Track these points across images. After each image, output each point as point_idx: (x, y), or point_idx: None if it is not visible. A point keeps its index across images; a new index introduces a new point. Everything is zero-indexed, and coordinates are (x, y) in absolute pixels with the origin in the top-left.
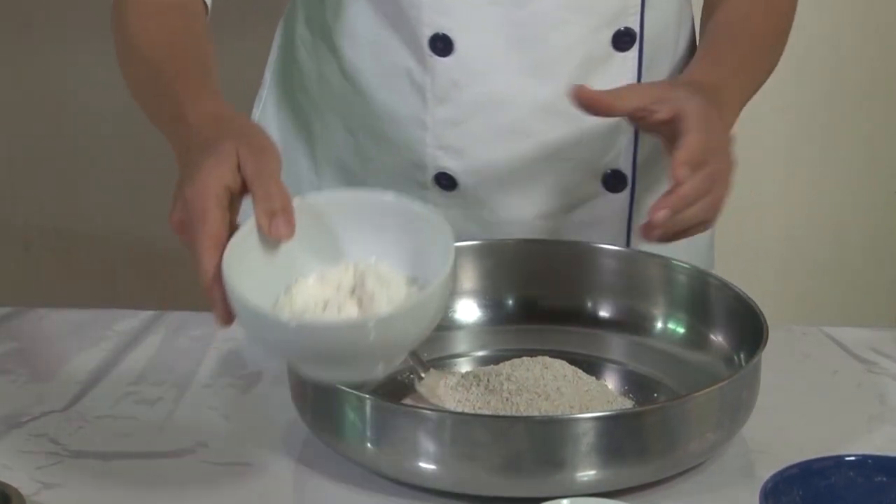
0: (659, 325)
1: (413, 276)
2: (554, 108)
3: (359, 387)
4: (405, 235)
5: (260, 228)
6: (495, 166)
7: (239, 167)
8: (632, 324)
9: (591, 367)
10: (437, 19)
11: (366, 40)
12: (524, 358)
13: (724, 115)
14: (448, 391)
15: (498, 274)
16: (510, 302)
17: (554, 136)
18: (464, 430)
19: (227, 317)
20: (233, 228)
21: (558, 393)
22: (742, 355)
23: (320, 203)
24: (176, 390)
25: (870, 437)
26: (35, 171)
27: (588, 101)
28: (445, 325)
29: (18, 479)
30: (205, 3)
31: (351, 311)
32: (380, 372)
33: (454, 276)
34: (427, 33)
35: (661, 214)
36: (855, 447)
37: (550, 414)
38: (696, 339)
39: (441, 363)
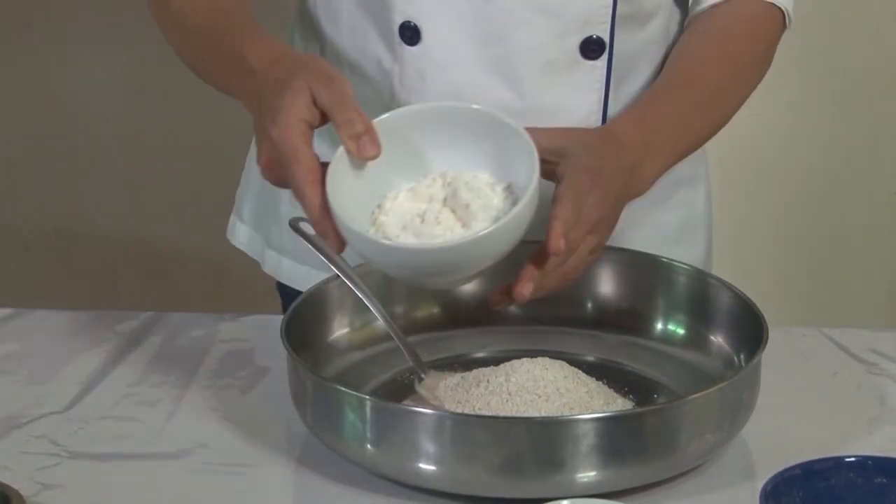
0: (659, 326)
1: (499, 180)
2: (514, 108)
3: (359, 388)
4: (484, 142)
5: (348, 153)
6: None
7: (314, 100)
8: (632, 325)
9: (591, 368)
10: (406, 7)
11: (346, 25)
12: (524, 359)
13: (638, 168)
14: (448, 392)
15: (498, 275)
16: None
17: None
18: (464, 430)
19: (340, 245)
20: None
21: (558, 394)
22: (742, 356)
23: (398, 120)
24: (176, 391)
25: (870, 438)
26: (35, 171)
27: None
28: (445, 326)
29: (18, 480)
30: None
31: (448, 221)
32: (474, 277)
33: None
34: (398, 21)
35: (528, 289)
36: (855, 448)
37: (550, 415)
38: (696, 340)
39: (441, 364)
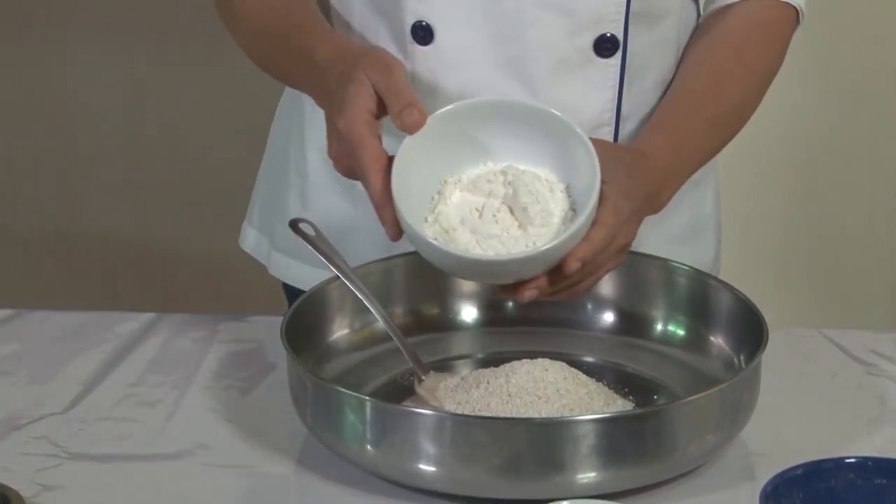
0: (659, 327)
1: (559, 180)
2: None
3: (359, 388)
4: (547, 142)
5: (398, 128)
6: None
7: (375, 90)
8: (632, 326)
9: (591, 369)
10: (418, 7)
11: (357, 25)
12: (524, 360)
13: (663, 191)
14: (448, 393)
15: None
16: (510, 304)
17: None
18: (464, 431)
19: (397, 234)
20: None
21: (558, 395)
22: (742, 357)
23: (462, 112)
24: (176, 392)
25: (870, 439)
26: (35, 171)
27: None
28: (445, 327)
29: (18, 482)
30: None
31: (505, 221)
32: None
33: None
34: (410, 21)
35: (532, 295)
36: (855, 449)
37: (550, 416)
38: (696, 341)
39: (441, 365)
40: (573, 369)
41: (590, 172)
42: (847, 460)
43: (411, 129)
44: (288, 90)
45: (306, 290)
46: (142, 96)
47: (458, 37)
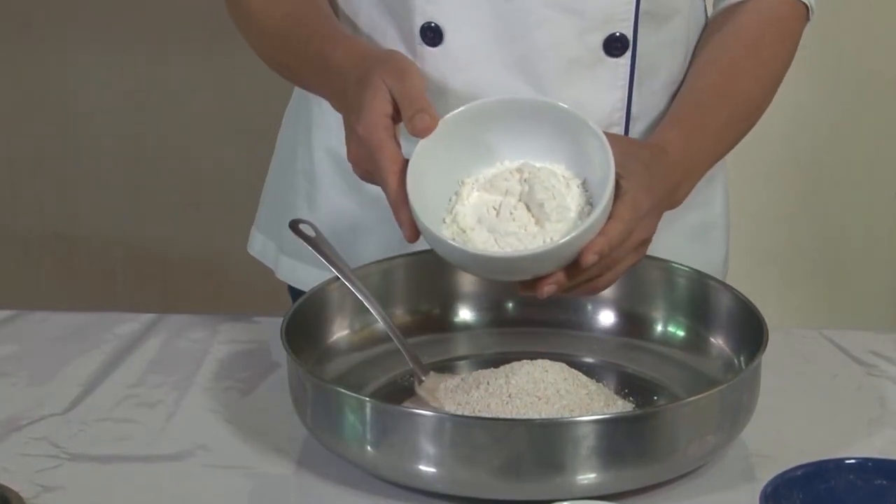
0: (659, 328)
1: (575, 175)
2: None
3: (359, 389)
4: (560, 136)
5: (409, 133)
6: None
7: (391, 94)
8: (632, 327)
9: (592, 369)
10: (428, 9)
11: (365, 27)
12: (524, 361)
13: (681, 187)
14: (448, 394)
15: None
16: (510, 304)
17: None
18: (463, 432)
19: (414, 235)
20: None
21: (558, 396)
22: (742, 358)
23: (474, 113)
24: (176, 393)
25: (870, 440)
26: (35, 172)
27: None
28: (445, 328)
29: (18, 483)
30: None
31: (522, 218)
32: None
33: None
34: (419, 22)
35: (550, 290)
36: (855, 450)
37: (550, 417)
38: (696, 342)
39: (441, 366)
40: (573, 370)
41: (604, 165)
42: (847, 461)
43: (422, 133)
44: (296, 95)
45: None
46: (142, 96)
47: (467, 37)
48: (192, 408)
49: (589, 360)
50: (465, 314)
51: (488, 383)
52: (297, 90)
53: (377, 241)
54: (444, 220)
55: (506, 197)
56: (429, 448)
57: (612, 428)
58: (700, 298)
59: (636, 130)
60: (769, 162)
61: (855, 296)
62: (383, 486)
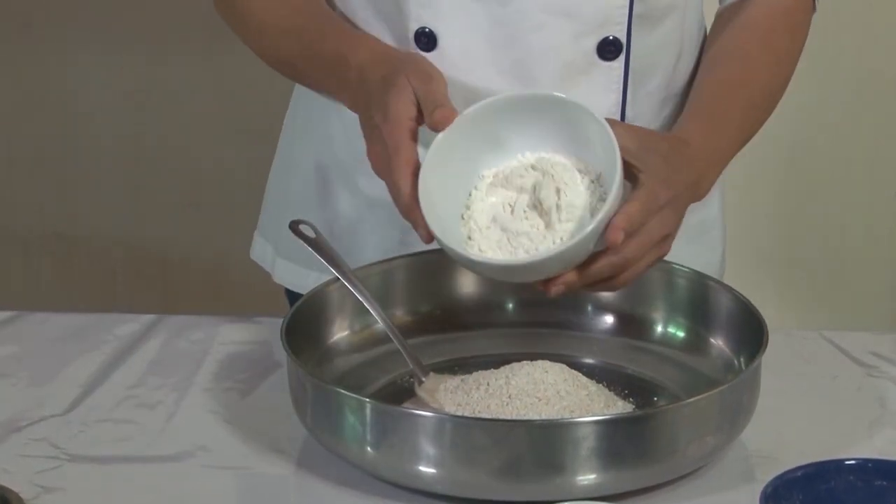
0: (659, 328)
1: (586, 172)
2: None
3: (359, 390)
4: (569, 130)
5: (429, 128)
6: None
7: (415, 95)
8: (632, 327)
9: (591, 370)
10: (422, 13)
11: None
12: (524, 362)
13: (704, 179)
14: (448, 395)
15: None
16: (510, 305)
17: None
18: (463, 433)
19: (428, 236)
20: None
21: (558, 396)
22: (742, 359)
23: (486, 111)
24: (176, 394)
25: (870, 441)
26: (35, 171)
27: None
28: (445, 329)
29: (18, 484)
30: None
31: (534, 218)
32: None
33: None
34: (413, 27)
35: (559, 290)
36: (855, 451)
37: (550, 417)
38: (696, 342)
39: (441, 367)
40: (573, 371)
41: (610, 159)
42: (847, 462)
43: (440, 123)
44: (296, 97)
45: None
46: (142, 96)
47: (461, 42)
48: (192, 408)
49: (589, 360)
50: (464, 315)
51: (488, 384)
52: (297, 91)
53: (377, 243)
54: (462, 217)
55: (520, 194)
56: (429, 449)
57: (612, 429)
58: (700, 299)
59: None
60: (769, 162)
61: (855, 296)
62: (383, 487)
